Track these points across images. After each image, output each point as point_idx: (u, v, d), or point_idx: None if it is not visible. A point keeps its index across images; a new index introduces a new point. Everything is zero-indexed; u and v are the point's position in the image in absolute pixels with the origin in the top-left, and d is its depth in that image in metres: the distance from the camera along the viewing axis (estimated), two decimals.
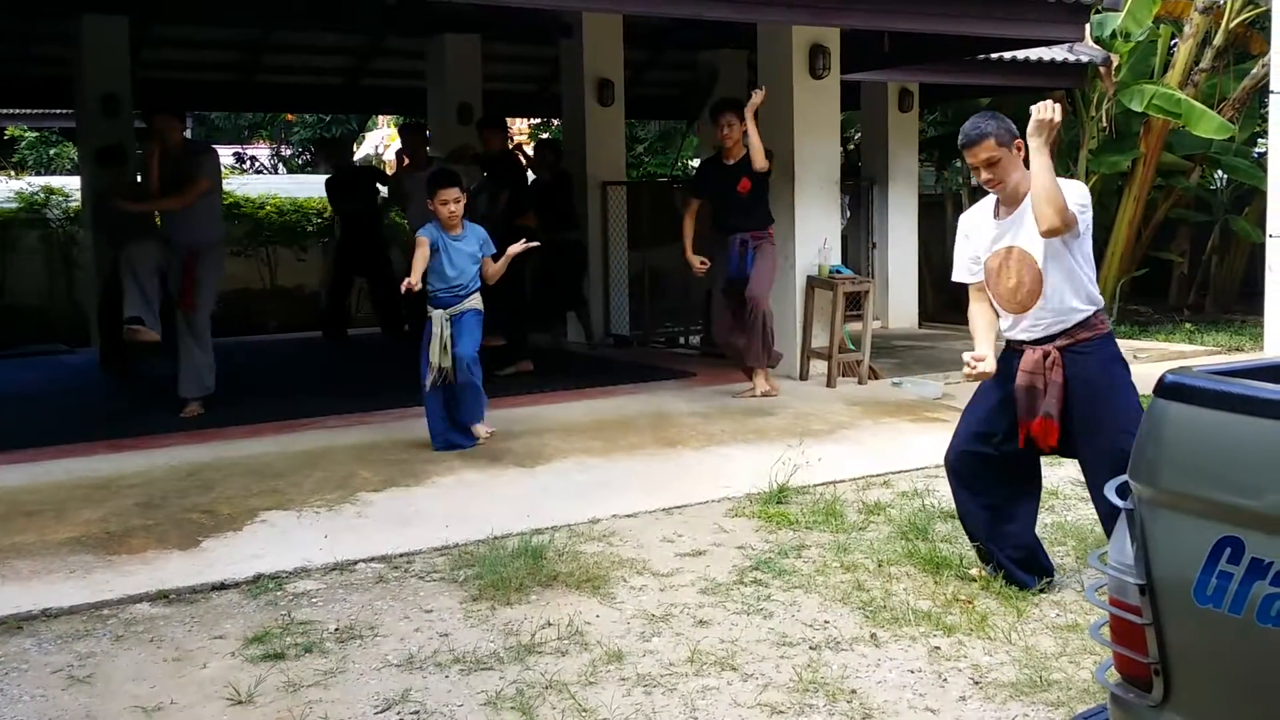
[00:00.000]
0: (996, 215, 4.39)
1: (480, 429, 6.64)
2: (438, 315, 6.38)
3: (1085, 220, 4.22)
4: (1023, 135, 4.26)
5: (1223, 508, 2.06)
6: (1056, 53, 11.58)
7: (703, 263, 7.99)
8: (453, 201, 6.33)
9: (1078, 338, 4.27)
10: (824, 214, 8.87)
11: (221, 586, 4.65)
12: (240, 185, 14.33)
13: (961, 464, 4.53)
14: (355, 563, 4.91)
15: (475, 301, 6.48)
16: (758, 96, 7.72)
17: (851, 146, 16.00)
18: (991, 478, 4.46)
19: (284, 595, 4.57)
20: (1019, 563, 4.46)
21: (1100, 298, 4.35)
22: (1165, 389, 2.17)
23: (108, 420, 7.30)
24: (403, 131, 10.93)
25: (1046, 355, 4.26)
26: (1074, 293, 4.25)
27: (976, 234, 4.47)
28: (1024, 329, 4.33)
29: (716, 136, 7.90)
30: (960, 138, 4.35)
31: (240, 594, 4.60)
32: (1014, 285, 4.30)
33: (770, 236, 7.94)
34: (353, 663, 3.91)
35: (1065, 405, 4.24)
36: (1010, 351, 4.41)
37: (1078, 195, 4.22)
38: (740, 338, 7.91)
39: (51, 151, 22.95)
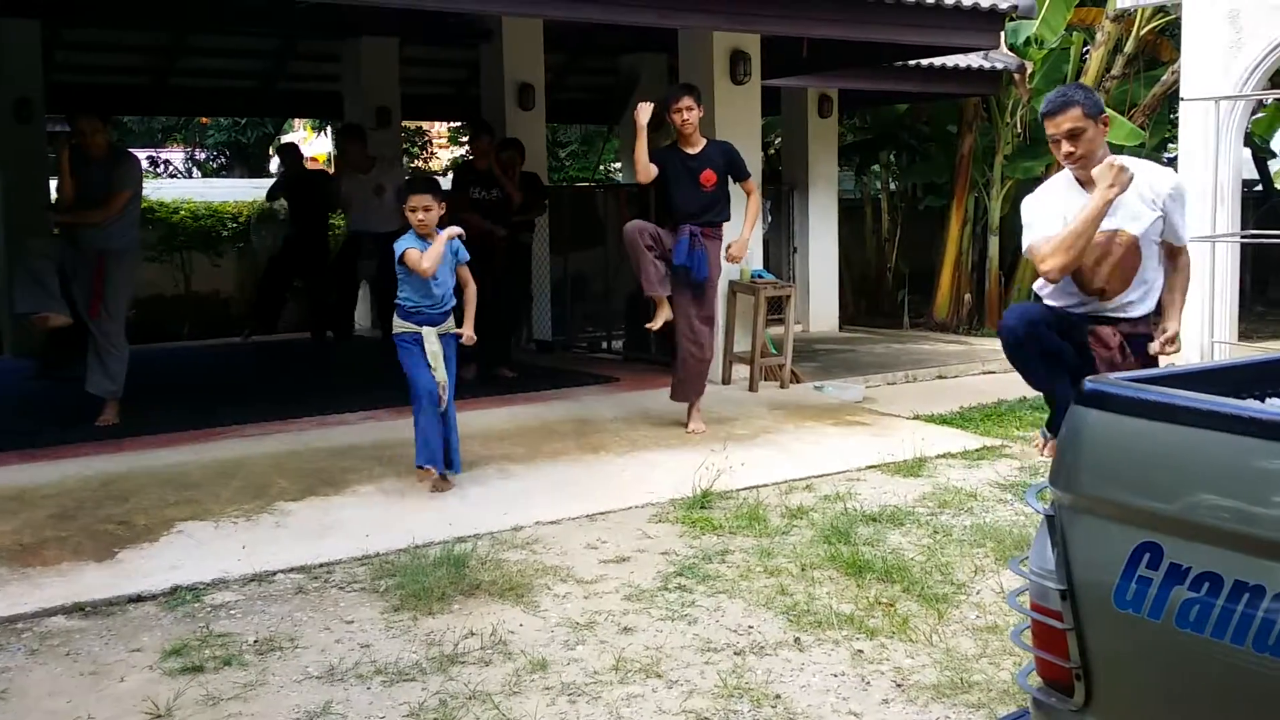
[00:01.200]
0: (1084, 187, 4.39)
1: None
2: (429, 332, 5.94)
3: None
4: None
5: (1142, 513, 2.09)
6: (973, 59, 11.79)
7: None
8: (422, 209, 5.91)
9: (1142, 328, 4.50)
10: None
11: (138, 599, 4.54)
12: (154, 190, 13.99)
13: (1030, 330, 4.63)
14: (274, 573, 4.82)
15: (453, 323, 6.12)
16: (645, 111, 6.87)
17: (772, 151, 16.13)
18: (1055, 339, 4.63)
19: (202, 607, 4.48)
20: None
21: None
22: (1085, 396, 2.20)
23: (18, 431, 7.06)
24: (342, 134, 10.72)
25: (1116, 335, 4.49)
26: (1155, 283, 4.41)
27: (1062, 203, 4.46)
28: (1111, 308, 4.51)
29: (675, 123, 7.09)
30: (1044, 105, 4.29)
31: (157, 606, 4.49)
32: (1108, 269, 4.41)
33: (721, 235, 7.30)
34: (273, 675, 3.83)
35: None
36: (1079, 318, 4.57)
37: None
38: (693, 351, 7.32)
39: None
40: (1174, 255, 4.65)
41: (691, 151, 7.13)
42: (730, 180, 7.30)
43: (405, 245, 5.89)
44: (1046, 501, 2.27)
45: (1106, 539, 2.13)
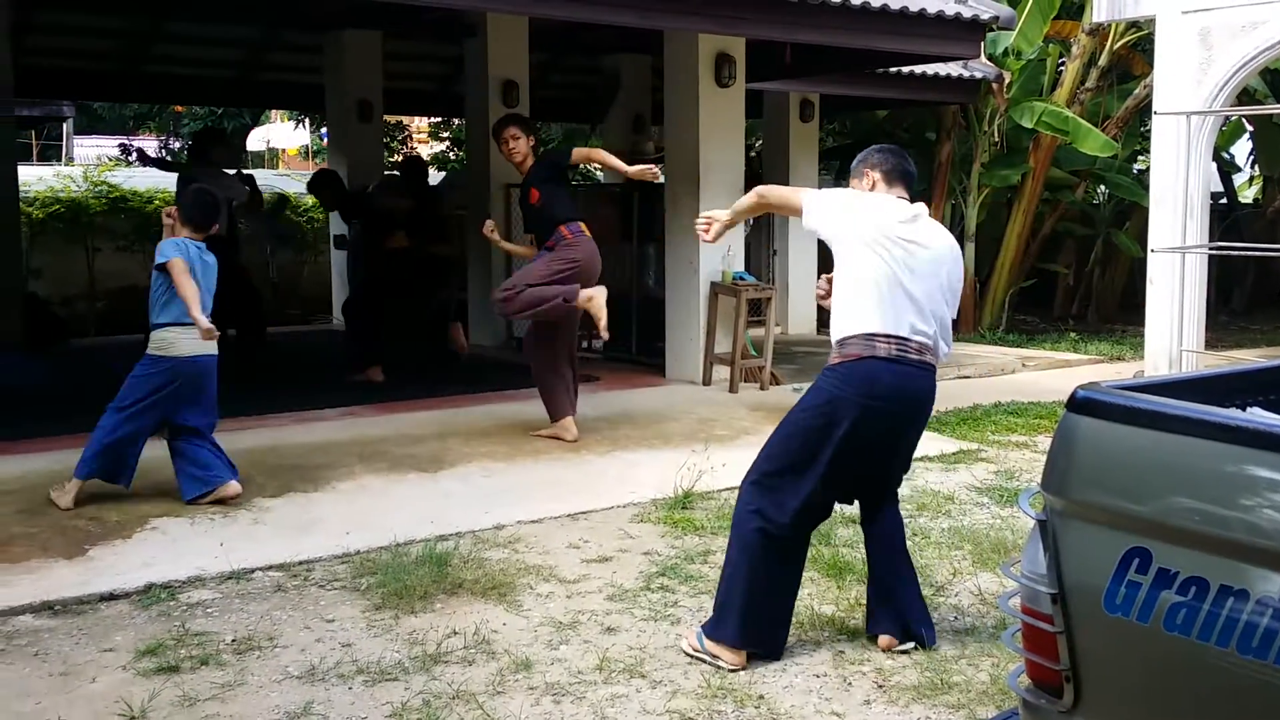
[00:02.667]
0: None
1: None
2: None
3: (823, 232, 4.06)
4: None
5: (1131, 519, 2.12)
6: (952, 68, 11.87)
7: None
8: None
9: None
10: None
11: (111, 597, 4.49)
12: (127, 178, 13.84)
13: None
14: (252, 571, 4.78)
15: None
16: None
17: (753, 154, 16.17)
18: None
19: (177, 605, 4.43)
20: None
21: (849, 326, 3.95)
22: (1077, 404, 2.23)
23: None
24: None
25: None
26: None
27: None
28: None
29: (504, 154, 7.15)
30: None
31: (131, 604, 4.44)
32: None
33: (564, 237, 6.92)
34: (251, 675, 3.80)
35: None
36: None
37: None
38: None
39: None
40: None
41: (521, 177, 7.16)
42: (563, 177, 7.28)
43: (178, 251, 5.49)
44: (1038, 507, 2.29)
45: (1097, 544, 2.16)
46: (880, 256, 3.87)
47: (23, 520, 5.26)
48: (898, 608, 4.05)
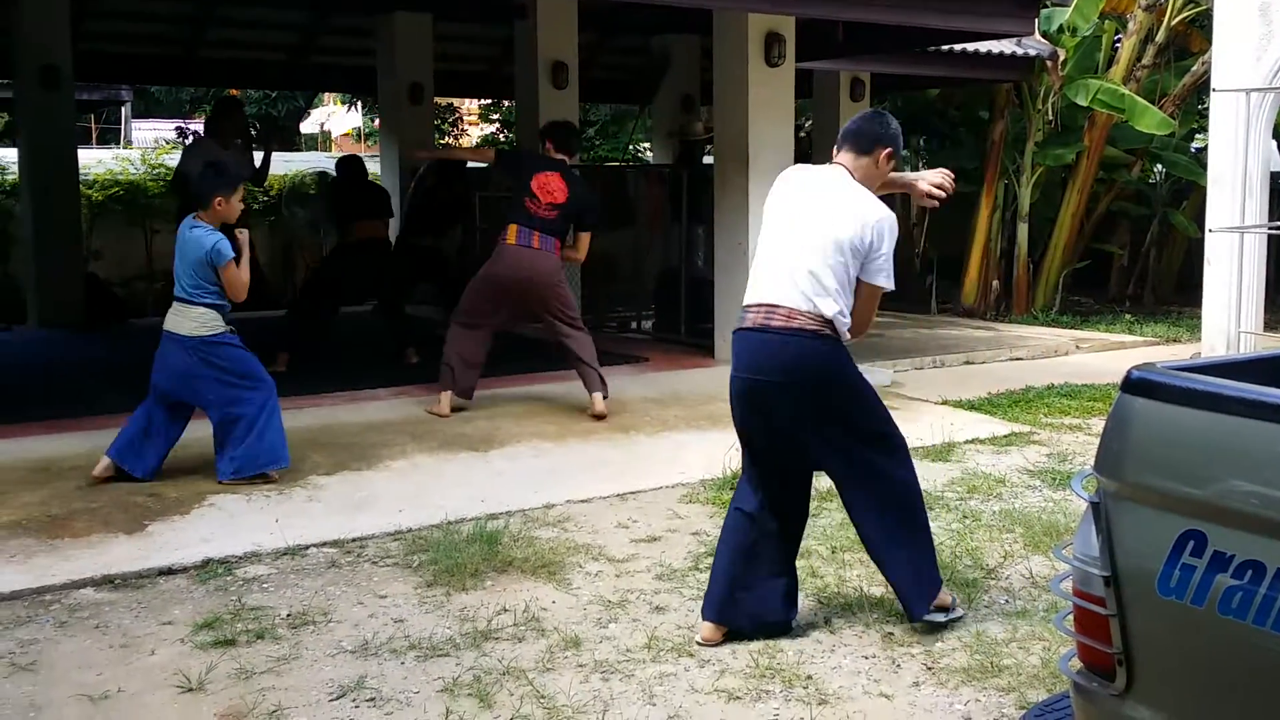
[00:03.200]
0: None
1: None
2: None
3: None
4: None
5: (1186, 501, 2.10)
6: (1005, 45, 11.70)
7: None
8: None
9: None
10: None
11: (169, 571, 4.58)
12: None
13: None
14: (307, 547, 4.86)
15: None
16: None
17: (803, 134, 16.06)
18: None
19: (234, 580, 4.51)
20: None
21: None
22: (1132, 385, 2.21)
23: (45, 401, 7.13)
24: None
25: None
26: None
27: None
28: None
29: None
30: None
31: (188, 579, 4.53)
32: None
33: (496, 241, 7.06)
34: (306, 649, 3.87)
35: None
36: None
37: None
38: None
39: None
40: None
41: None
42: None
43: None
44: (1092, 489, 2.27)
45: (1151, 526, 2.14)
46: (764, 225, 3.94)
47: (84, 496, 5.38)
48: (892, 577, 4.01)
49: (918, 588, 3.96)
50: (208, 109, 24.65)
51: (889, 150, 4.01)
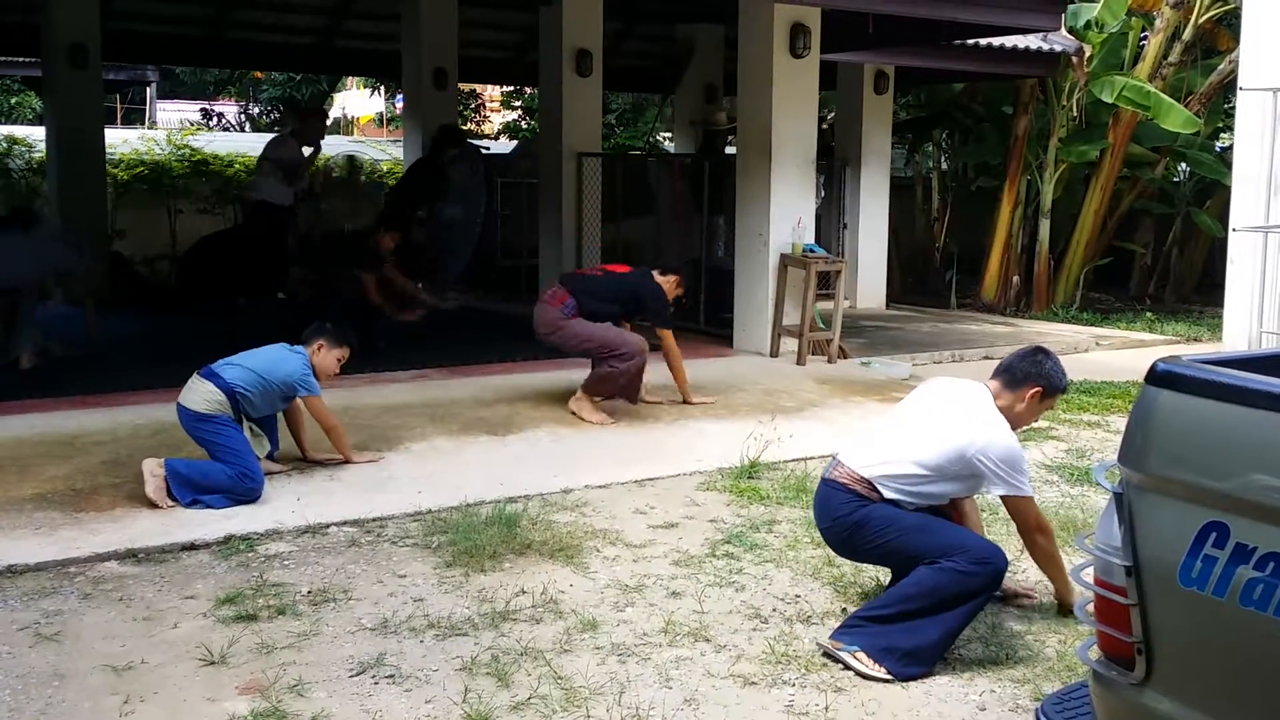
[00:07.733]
0: None
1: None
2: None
3: None
4: None
5: (1209, 493, 2.11)
6: (1031, 41, 11.64)
7: None
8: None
9: None
10: (800, 193, 8.88)
11: (192, 547, 4.63)
12: (208, 142, 14.12)
13: None
14: (328, 526, 4.91)
15: None
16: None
17: (825, 126, 16.03)
18: None
19: (255, 557, 4.56)
20: None
21: None
22: (1156, 377, 2.21)
23: (70, 377, 7.19)
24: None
25: None
26: None
27: None
28: None
29: None
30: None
31: (211, 555, 4.58)
32: None
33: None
34: (326, 625, 3.91)
35: None
36: None
37: None
38: None
39: (13, 100, 22.52)
40: None
41: None
42: None
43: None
44: (1114, 480, 2.28)
45: (1173, 517, 2.15)
46: None
47: (109, 471, 5.43)
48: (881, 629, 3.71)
49: (887, 640, 3.64)
50: (232, 90, 24.79)
51: (1037, 390, 3.94)
